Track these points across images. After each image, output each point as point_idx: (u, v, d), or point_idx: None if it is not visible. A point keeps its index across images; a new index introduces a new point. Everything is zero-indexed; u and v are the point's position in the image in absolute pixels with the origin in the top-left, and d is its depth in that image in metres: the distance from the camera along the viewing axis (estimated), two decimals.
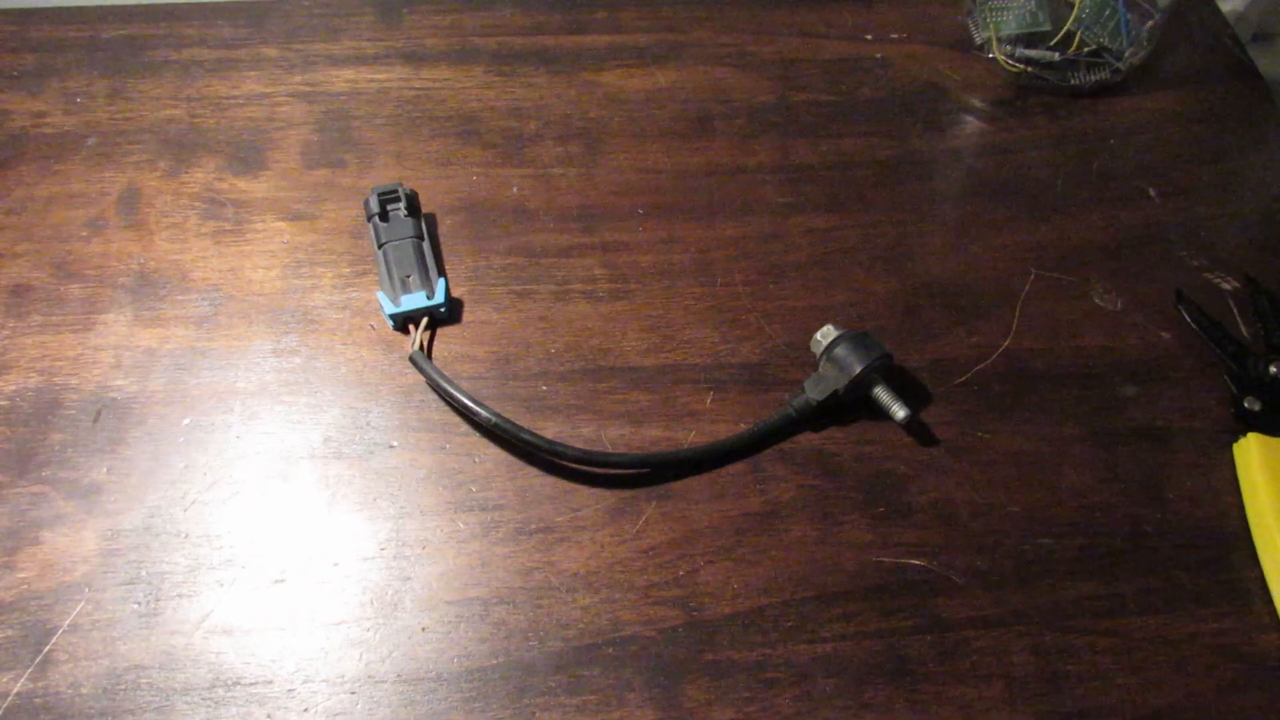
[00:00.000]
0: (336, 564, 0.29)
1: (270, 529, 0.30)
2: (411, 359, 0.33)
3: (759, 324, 0.35)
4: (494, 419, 0.31)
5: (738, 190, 0.39)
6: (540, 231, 0.38)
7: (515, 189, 0.39)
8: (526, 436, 0.30)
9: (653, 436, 0.32)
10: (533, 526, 0.30)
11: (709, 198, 0.39)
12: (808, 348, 0.33)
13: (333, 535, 0.30)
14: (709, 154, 0.40)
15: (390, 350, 0.34)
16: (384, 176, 0.39)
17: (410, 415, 0.32)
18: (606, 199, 0.39)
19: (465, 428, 0.32)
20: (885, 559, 0.29)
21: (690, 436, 0.32)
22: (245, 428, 0.32)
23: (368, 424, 0.32)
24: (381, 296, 0.34)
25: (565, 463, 0.31)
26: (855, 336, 0.32)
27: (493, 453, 0.31)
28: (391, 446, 0.31)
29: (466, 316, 0.35)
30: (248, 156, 0.39)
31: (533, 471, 0.31)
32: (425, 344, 0.34)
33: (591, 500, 0.30)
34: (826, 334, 0.33)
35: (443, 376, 0.32)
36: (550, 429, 0.32)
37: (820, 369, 0.32)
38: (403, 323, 0.34)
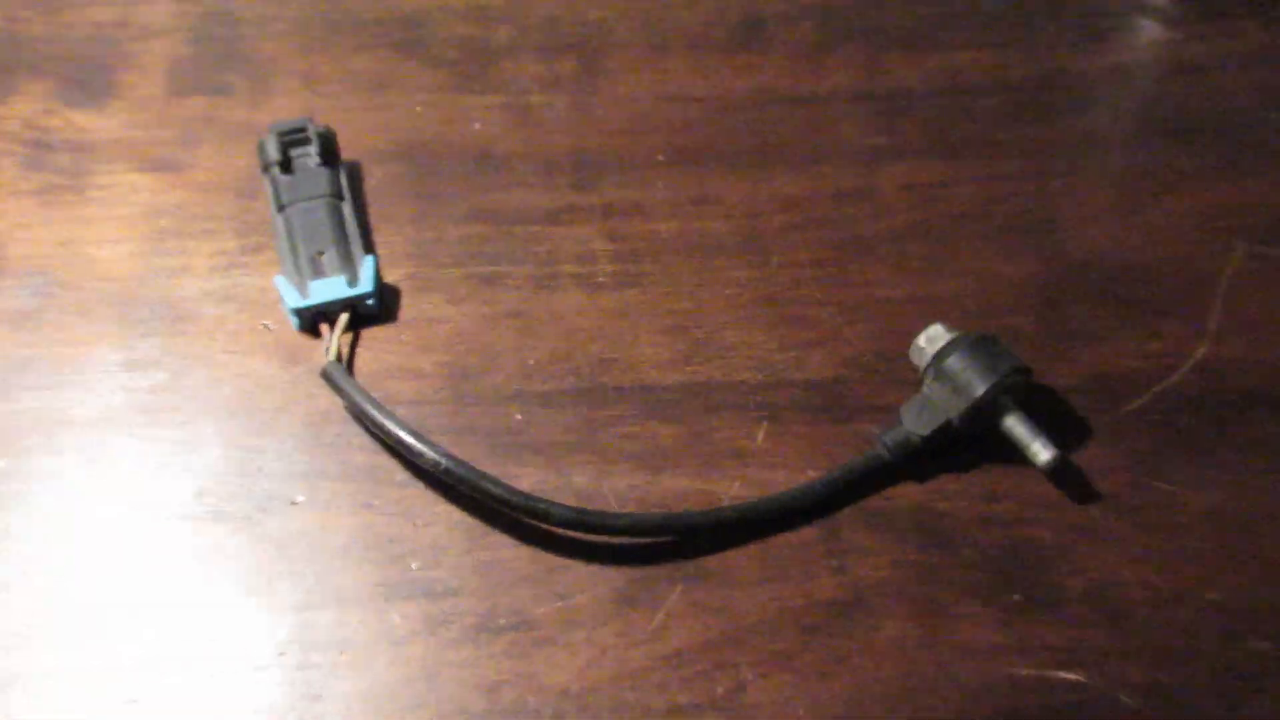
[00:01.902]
0: (213, 676, 0.29)
1: (117, 625, 0.30)
2: (325, 374, 0.33)
3: (833, 323, 0.35)
4: (444, 462, 0.31)
5: (802, 127, 0.40)
6: (514, 188, 0.38)
7: (478, 126, 0.39)
8: (492, 488, 0.31)
9: (678, 488, 0.32)
10: (501, 621, 0.30)
11: (760, 139, 0.39)
12: (905, 358, 0.34)
13: (209, 634, 0.30)
14: (760, 74, 0.41)
15: (294, 361, 0.34)
16: (287, 109, 0.40)
17: (323, 457, 0.33)
18: (610, 140, 0.39)
19: (403, 475, 0.32)
20: (1023, 670, 0.29)
21: (733, 488, 0.32)
22: (81, 475, 0.32)
23: (260, 470, 0.32)
24: (282, 283, 0.34)
25: (550, 527, 0.31)
26: (977, 342, 0.32)
27: (443, 512, 0.32)
28: (295, 503, 0.32)
29: (407, 312, 0.36)
30: (90, 79, 0.40)
31: (501, 540, 0.31)
32: (345, 352, 0.34)
33: (588, 582, 0.31)
34: (934, 338, 0.33)
35: (370, 400, 0.32)
36: (528, 477, 0.32)
37: (925, 389, 0.32)
38: (313, 321, 0.34)
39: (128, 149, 0.39)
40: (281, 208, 0.36)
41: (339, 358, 0.34)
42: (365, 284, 0.35)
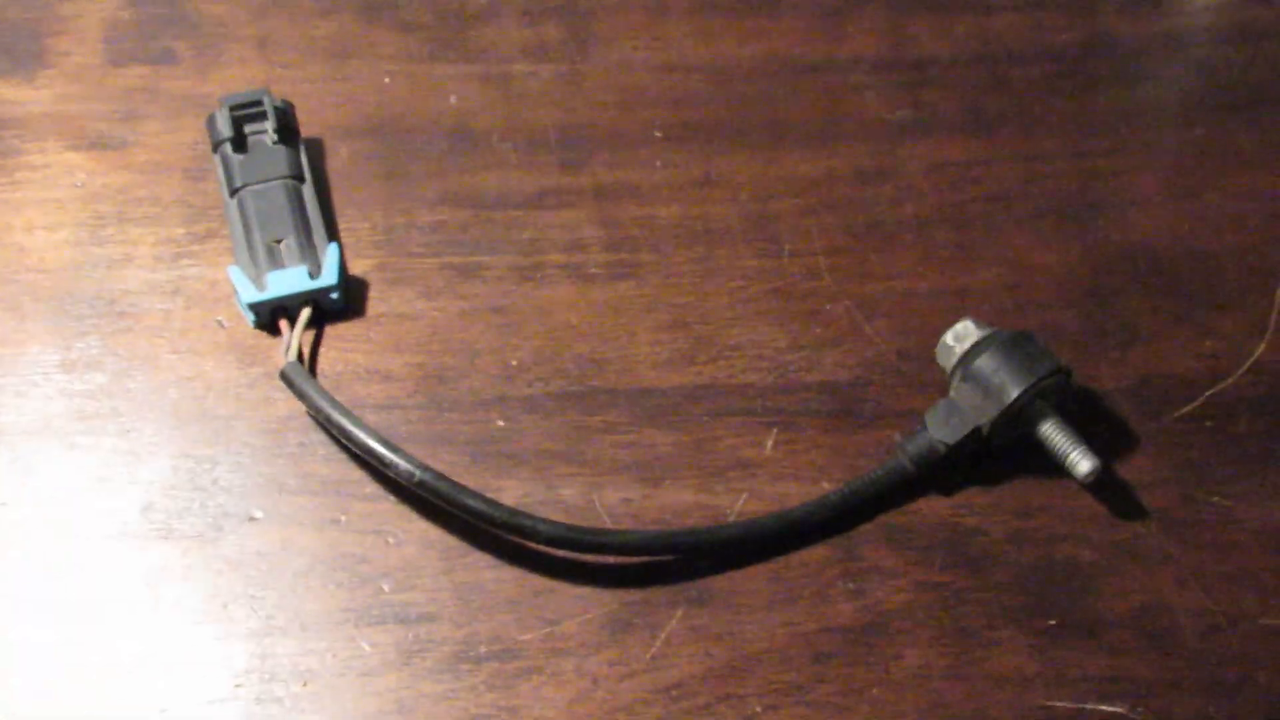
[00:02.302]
0: (164, 710, 0.30)
1: (55, 657, 0.30)
2: (284, 376, 0.33)
3: (851, 319, 0.35)
4: (419, 474, 0.31)
5: (818, 99, 0.40)
6: (495, 168, 0.38)
7: (454, 99, 0.40)
8: (472, 503, 0.31)
9: (677, 502, 0.32)
10: (482, 650, 0.30)
11: (770, 113, 0.40)
12: (931, 357, 0.34)
13: (158, 664, 0.30)
14: (772, 39, 0.41)
15: (251, 361, 0.35)
16: (240, 78, 0.40)
17: (284, 469, 0.33)
18: (602, 115, 0.39)
19: (373, 488, 0.33)
20: (1060, 703, 0.30)
21: (739, 502, 0.32)
22: (14, 489, 0.32)
23: (215, 483, 0.33)
24: (236, 274, 0.35)
25: (537, 546, 0.31)
26: (1011, 341, 0.32)
27: (418, 529, 0.32)
28: (253, 519, 0.32)
29: (375, 307, 0.36)
30: (17, 46, 0.40)
31: (483, 560, 0.32)
32: (306, 352, 0.34)
33: (578, 606, 0.31)
34: (963, 335, 0.33)
35: (335, 405, 0.32)
36: (511, 490, 0.32)
37: (952, 393, 0.33)
38: (271, 317, 0.35)
39: (61, 124, 0.39)
40: (235, 191, 0.36)
41: (300, 358, 0.34)
42: (329, 275, 0.35)
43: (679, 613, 0.31)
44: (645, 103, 0.39)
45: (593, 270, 0.36)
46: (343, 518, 0.32)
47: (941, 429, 0.32)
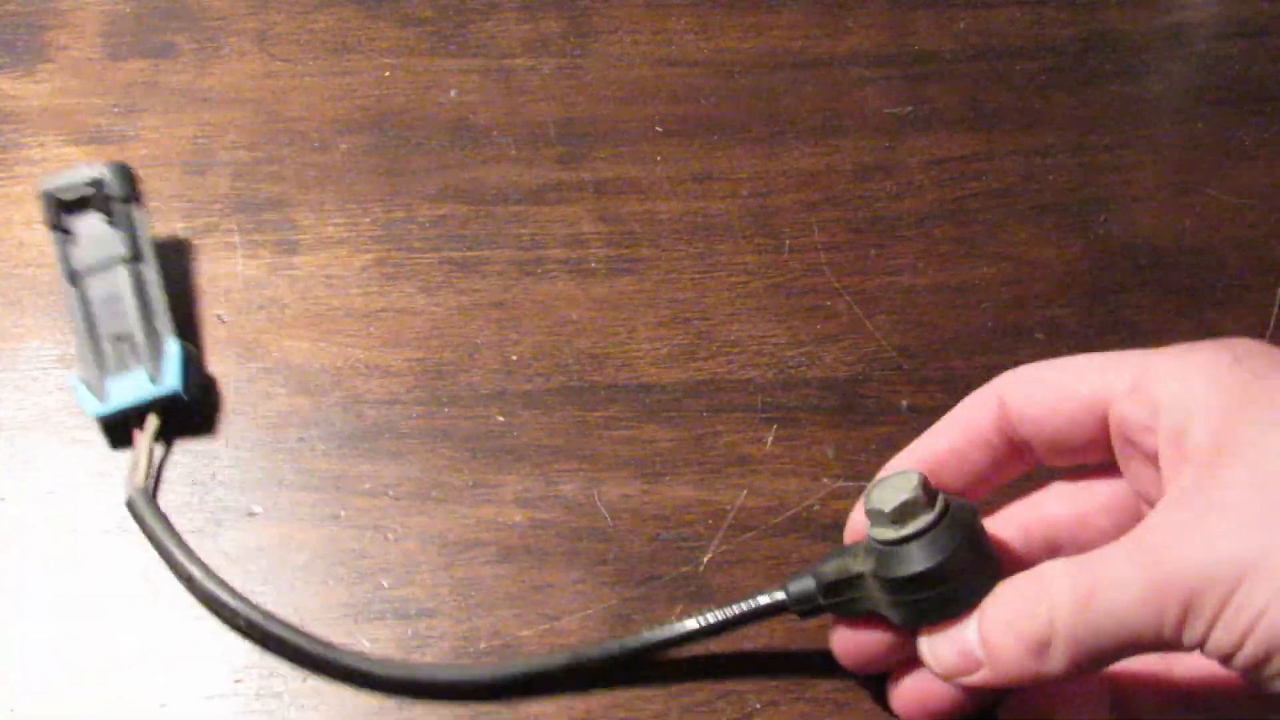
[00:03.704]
0: (164, 705, 0.30)
1: (54, 652, 0.30)
2: (129, 504, 0.31)
3: (852, 314, 0.36)
4: (249, 614, 0.29)
5: (819, 94, 0.40)
6: (495, 162, 0.38)
7: (454, 92, 0.40)
8: (305, 644, 0.29)
9: (677, 498, 0.33)
10: (482, 645, 0.30)
11: (770, 107, 0.40)
12: (932, 353, 0.34)
13: (156, 659, 0.30)
14: (772, 34, 0.41)
15: (250, 357, 0.35)
16: (238, 73, 0.40)
17: (283, 464, 0.33)
18: (603, 109, 0.39)
19: (372, 484, 0.33)
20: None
21: (739, 498, 0.33)
22: (11, 484, 0.32)
23: (213, 478, 0.33)
24: (76, 383, 0.32)
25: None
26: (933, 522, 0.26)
27: (418, 525, 0.32)
28: (252, 514, 0.32)
29: (374, 302, 0.36)
30: (17, 40, 0.40)
31: (482, 555, 0.32)
32: (153, 465, 0.31)
33: (578, 602, 0.31)
34: (887, 491, 0.27)
35: (178, 542, 0.30)
36: (510, 486, 0.33)
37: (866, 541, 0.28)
38: (125, 427, 0.32)
39: (60, 118, 0.39)
40: (74, 279, 0.33)
41: (147, 477, 0.31)
42: (169, 379, 0.32)
43: (679, 609, 0.31)
44: (645, 97, 0.40)
45: (593, 265, 0.37)
46: (342, 513, 0.32)
47: (832, 591, 0.28)
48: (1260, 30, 0.41)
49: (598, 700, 0.30)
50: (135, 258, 0.33)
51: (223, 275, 0.36)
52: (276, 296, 0.36)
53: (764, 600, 0.28)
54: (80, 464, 0.33)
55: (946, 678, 0.26)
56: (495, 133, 0.39)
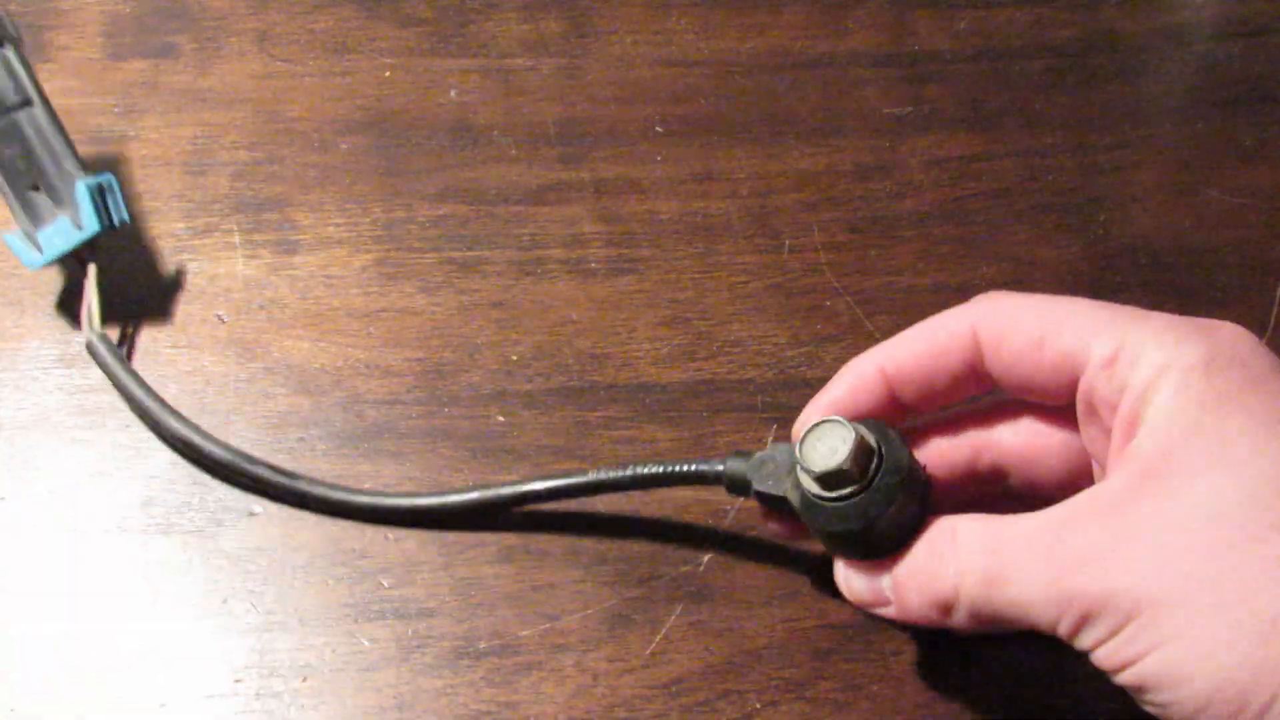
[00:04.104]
0: (164, 705, 0.30)
1: (53, 652, 0.30)
2: (89, 348, 0.31)
3: (851, 315, 0.36)
4: (222, 452, 0.31)
5: (819, 94, 0.40)
6: (495, 163, 0.38)
7: (454, 93, 0.40)
8: (262, 472, 0.31)
9: (677, 498, 0.33)
10: (482, 645, 0.31)
11: (770, 107, 0.40)
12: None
13: (157, 659, 0.30)
14: (772, 34, 0.41)
15: (249, 356, 0.35)
16: (238, 73, 0.40)
17: (283, 463, 0.33)
18: (603, 109, 0.39)
19: (373, 484, 0.33)
20: (1061, 699, 0.30)
21: (740, 499, 0.33)
22: (12, 485, 0.33)
23: (213, 477, 0.33)
24: (13, 242, 0.32)
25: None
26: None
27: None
28: (252, 514, 0.32)
29: (375, 302, 0.36)
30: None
31: (482, 555, 0.32)
32: (102, 309, 0.32)
33: (578, 601, 0.31)
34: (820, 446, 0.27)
35: (134, 378, 0.31)
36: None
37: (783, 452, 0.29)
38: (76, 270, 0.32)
39: (61, 118, 0.39)
40: None
41: (103, 323, 0.32)
42: (87, 222, 0.31)
43: (678, 608, 0.31)
44: (645, 97, 0.40)
45: (593, 265, 0.37)
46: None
47: (758, 474, 0.29)
48: (1260, 30, 0.41)
49: (598, 700, 0.30)
50: (25, 102, 0.32)
51: (223, 275, 0.36)
52: (276, 296, 0.36)
53: (701, 468, 0.29)
54: (81, 463, 0.33)
55: (854, 604, 0.28)
56: (495, 133, 0.39)
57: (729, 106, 0.39)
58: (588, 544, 0.32)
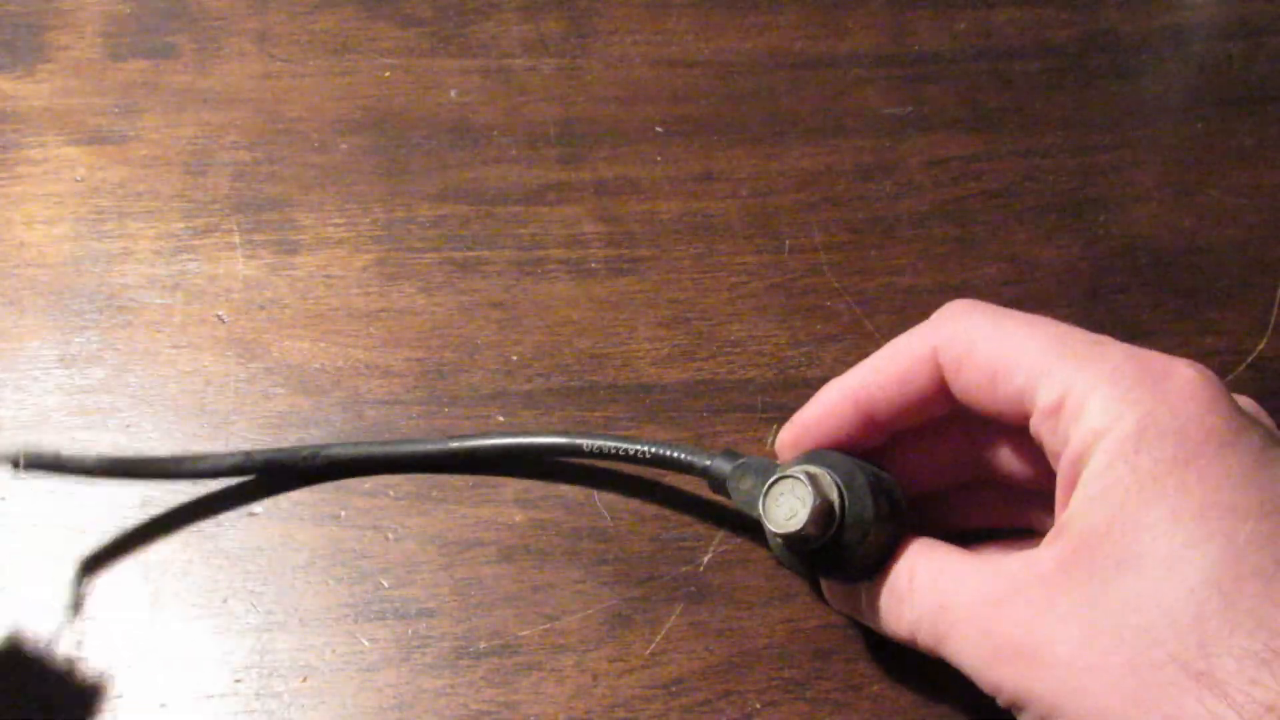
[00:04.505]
0: (164, 705, 0.30)
1: (53, 649, 0.30)
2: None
3: (851, 315, 0.36)
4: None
5: (819, 94, 0.40)
6: (496, 163, 0.39)
7: (454, 93, 0.40)
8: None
9: (680, 499, 0.33)
10: (482, 645, 0.31)
11: (770, 108, 0.40)
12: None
13: (157, 659, 0.30)
14: (772, 34, 0.41)
15: (250, 356, 0.35)
16: (238, 73, 0.40)
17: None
18: (603, 109, 0.40)
19: (373, 484, 0.33)
20: None
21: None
22: (9, 484, 0.32)
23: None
24: None
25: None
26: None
27: (418, 525, 0.32)
28: (252, 515, 0.32)
29: (374, 302, 0.36)
30: (16, 40, 0.41)
31: (482, 555, 0.32)
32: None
33: (578, 602, 0.31)
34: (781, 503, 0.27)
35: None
36: (510, 484, 0.33)
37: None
38: None
39: (60, 119, 0.39)
40: None
41: None
42: None
43: (679, 608, 0.31)
44: (646, 98, 0.40)
45: (593, 265, 0.37)
46: (342, 513, 0.32)
47: (738, 490, 0.29)
48: (1260, 30, 0.41)
49: (598, 700, 0.30)
50: None
51: (223, 275, 0.36)
52: (276, 296, 0.36)
53: (690, 459, 0.30)
54: None
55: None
56: (495, 133, 0.39)
57: (729, 106, 0.40)
58: (588, 544, 0.32)
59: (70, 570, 0.31)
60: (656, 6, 0.41)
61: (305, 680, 0.30)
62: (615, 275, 0.36)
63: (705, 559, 0.32)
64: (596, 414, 0.34)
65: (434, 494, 0.33)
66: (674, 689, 0.30)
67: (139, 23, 0.41)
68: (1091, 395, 0.24)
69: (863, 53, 0.41)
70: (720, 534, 0.32)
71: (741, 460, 0.29)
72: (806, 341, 0.35)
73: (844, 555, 0.27)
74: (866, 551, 0.27)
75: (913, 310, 0.36)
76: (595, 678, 0.30)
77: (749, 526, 0.32)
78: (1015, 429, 0.27)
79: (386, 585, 0.31)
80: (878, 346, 0.35)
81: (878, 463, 0.29)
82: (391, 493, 0.33)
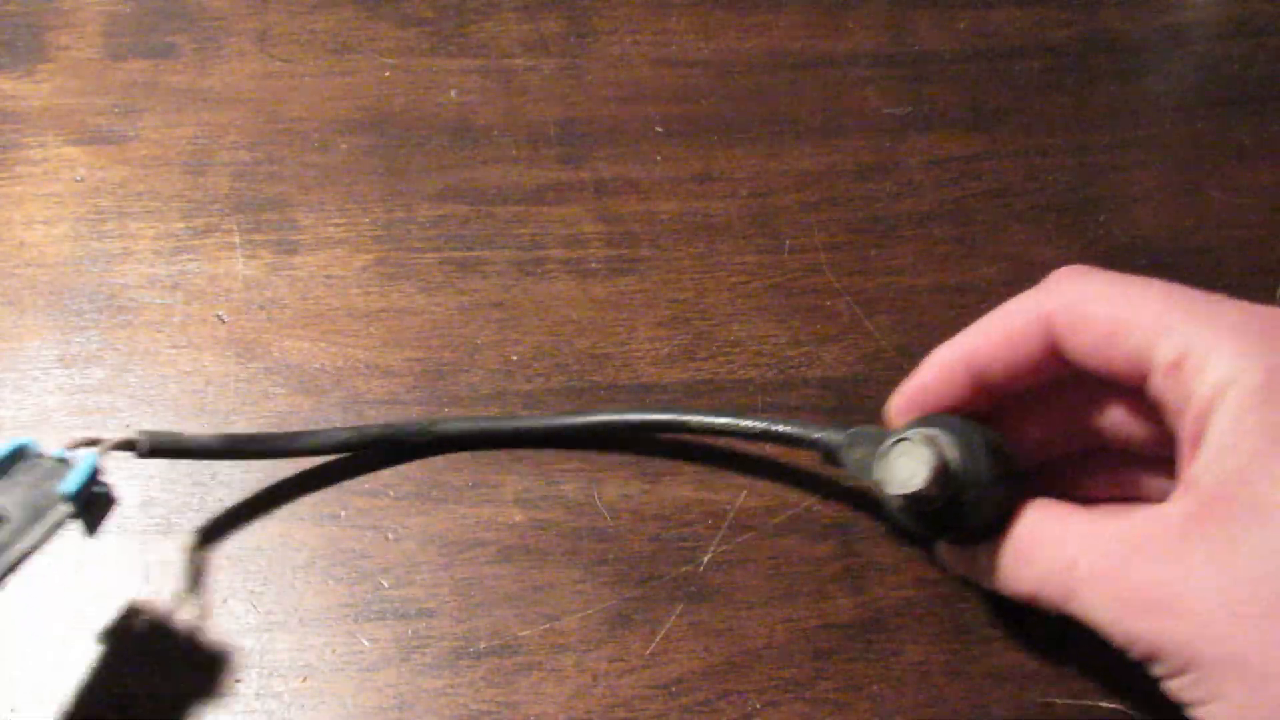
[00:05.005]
0: (164, 704, 0.30)
1: (52, 652, 0.30)
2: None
3: (851, 315, 0.36)
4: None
5: (819, 94, 0.40)
6: (495, 163, 0.39)
7: (454, 93, 0.40)
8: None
9: (677, 498, 0.33)
10: (482, 645, 0.31)
11: (770, 108, 0.40)
12: (928, 355, 0.34)
13: (156, 659, 0.30)
14: (772, 33, 0.41)
15: (250, 356, 0.35)
16: (238, 73, 0.40)
17: (283, 463, 0.33)
18: (603, 109, 0.40)
19: (373, 484, 0.33)
20: (1061, 700, 0.30)
21: (739, 498, 0.33)
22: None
23: (213, 477, 0.33)
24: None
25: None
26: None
27: (418, 525, 0.32)
28: (254, 514, 0.32)
29: (375, 302, 0.36)
30: (16, 40, 0.41)
31: (482, 555, 0.32)
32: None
33: (578, 602, 0.31)
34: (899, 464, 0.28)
35: None
36: (510, 484, 0.33)
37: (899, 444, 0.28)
38: None
39: (60, 119, 0.39)
40: None
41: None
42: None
43: (678, 608, 0.31)
44: (646, 97, 0.40)
45: (593, 265, 0.37)
46: (342, 513, 0.32)
47: (852, 459, 0.29)
48: (1260, 30, 0.41)
49: (598, 700, 0.30)
50: None
51: (223, 275, 0.36)
52: (276, 296, 0.36)
53: (796, 432, 0.30)
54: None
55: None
56: (495, 133, 0.39)
57: (729, 106, 0.40)
58: (588, 544, 0.32)
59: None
60: (656, 6, 0.41)
61: (305, 680, 0.30)
62: (615, 275, 0.36)
63: (705, 559, 0.32)
64: None
65: (434, 494, 0.33)
66: (674, 689, 0.30)
67: (139, 23, 0.41)
68: (1213, 350, 0.24)
69: (863, 53, 0.41)
70: (720, 534, 0.32)
71: (853, 429, 0.30)
72: (806, 341, 0.35)
73: (963, 515, 0.27)
74: (986, 511, 0.27)
75: (913, 310, 0.36)
76: (595, 678, 0.30)
77: (749, 526, 0.32)
78: (1128, 392, 0.27)
79: (386, 585, 0.31)
80: (878, 346, 0.35)
81: (991, 426, 0.29)
82: (391, 493, 0.33)
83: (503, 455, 0.33)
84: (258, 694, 0.30)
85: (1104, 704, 0.30)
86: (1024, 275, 0.36)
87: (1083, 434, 0.29)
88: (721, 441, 0.33)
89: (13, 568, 0.27)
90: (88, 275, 0.36)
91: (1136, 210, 0.38)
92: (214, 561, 0.32)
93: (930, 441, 0.27)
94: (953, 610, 0.31)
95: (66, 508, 0.27)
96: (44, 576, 0.31)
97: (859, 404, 0.34)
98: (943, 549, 0.31)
